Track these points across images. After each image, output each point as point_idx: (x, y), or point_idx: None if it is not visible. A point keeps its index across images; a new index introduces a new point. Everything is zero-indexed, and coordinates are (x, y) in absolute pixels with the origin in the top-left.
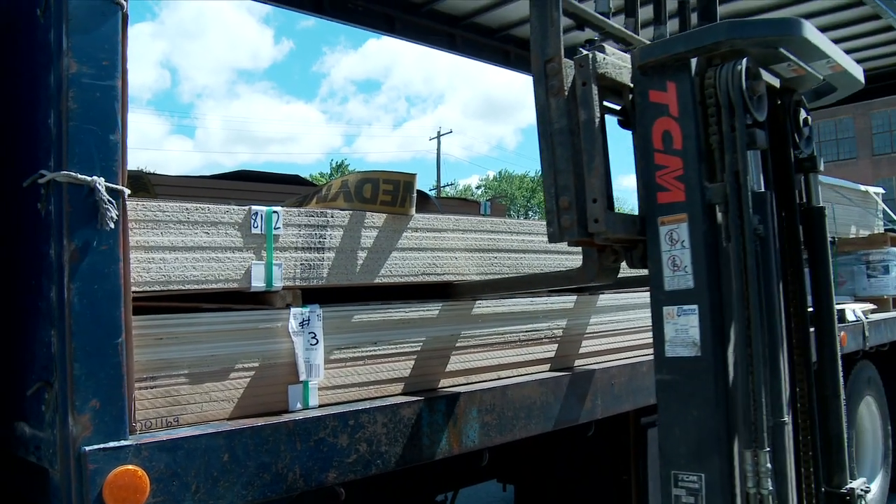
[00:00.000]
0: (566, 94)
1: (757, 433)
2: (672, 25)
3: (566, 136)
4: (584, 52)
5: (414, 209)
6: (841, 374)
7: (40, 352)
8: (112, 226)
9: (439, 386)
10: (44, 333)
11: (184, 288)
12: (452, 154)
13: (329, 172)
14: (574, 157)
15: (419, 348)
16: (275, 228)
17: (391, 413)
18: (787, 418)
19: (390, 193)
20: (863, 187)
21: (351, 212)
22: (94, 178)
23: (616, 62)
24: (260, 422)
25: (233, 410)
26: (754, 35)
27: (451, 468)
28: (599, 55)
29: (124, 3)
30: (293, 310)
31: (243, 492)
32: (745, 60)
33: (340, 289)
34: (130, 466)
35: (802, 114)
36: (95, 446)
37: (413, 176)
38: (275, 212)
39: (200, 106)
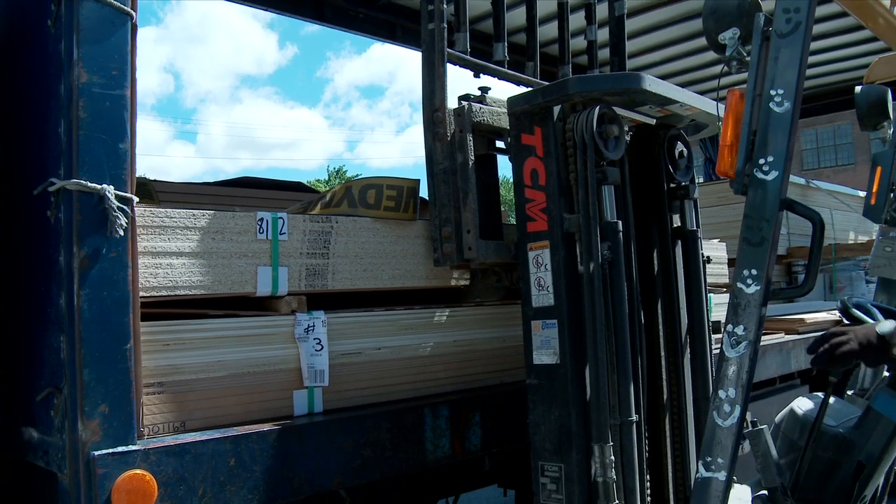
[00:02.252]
0: (449, 139)
1: (601, 430)
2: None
3: (448, 175)
4: (464, 103)
5: (417, 215)
6: (710, 377)
7: (50, 358)
8: (121, 233)
9: (443, 391)
10: (53, 339)
11: (191, 293)
12: None
13: (327, 178)
14: (454, 194)
15: (423, 353)
16: (280, 234)
17: (395, 418)
18: (636, 417)
19: (394, 199)
20: (861, 193)
21: (355, 218)
22: (104, 186)
23: (496, 110)
24: (266, 427)
25: (239, 415)
26: (599, 88)
27: (453, 472)
28: (476, 106)
29: (133, 12)
30: (298, 316)
31: (249, 496)
32: (598, 108)
33: (345, 294)
34: (138, 471)
35: (679, 147)
36: (104, 451)
37: (416, 182)
38: (280, 218)
39: (203, 111)
